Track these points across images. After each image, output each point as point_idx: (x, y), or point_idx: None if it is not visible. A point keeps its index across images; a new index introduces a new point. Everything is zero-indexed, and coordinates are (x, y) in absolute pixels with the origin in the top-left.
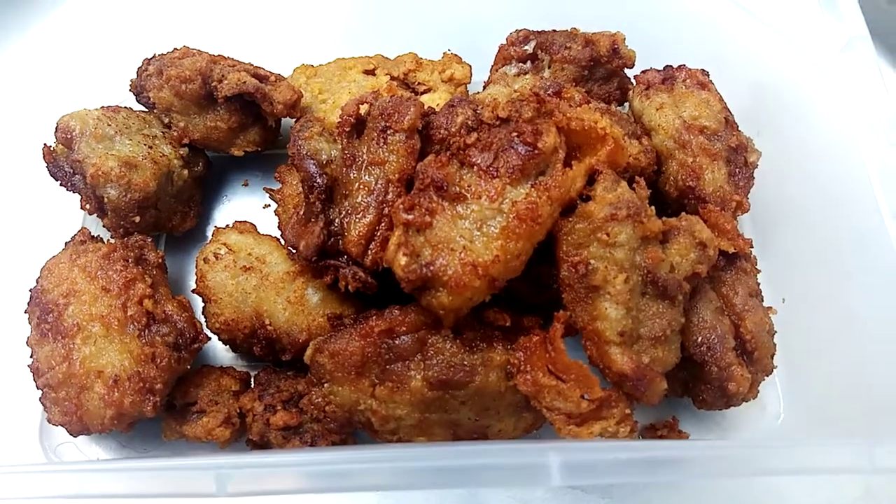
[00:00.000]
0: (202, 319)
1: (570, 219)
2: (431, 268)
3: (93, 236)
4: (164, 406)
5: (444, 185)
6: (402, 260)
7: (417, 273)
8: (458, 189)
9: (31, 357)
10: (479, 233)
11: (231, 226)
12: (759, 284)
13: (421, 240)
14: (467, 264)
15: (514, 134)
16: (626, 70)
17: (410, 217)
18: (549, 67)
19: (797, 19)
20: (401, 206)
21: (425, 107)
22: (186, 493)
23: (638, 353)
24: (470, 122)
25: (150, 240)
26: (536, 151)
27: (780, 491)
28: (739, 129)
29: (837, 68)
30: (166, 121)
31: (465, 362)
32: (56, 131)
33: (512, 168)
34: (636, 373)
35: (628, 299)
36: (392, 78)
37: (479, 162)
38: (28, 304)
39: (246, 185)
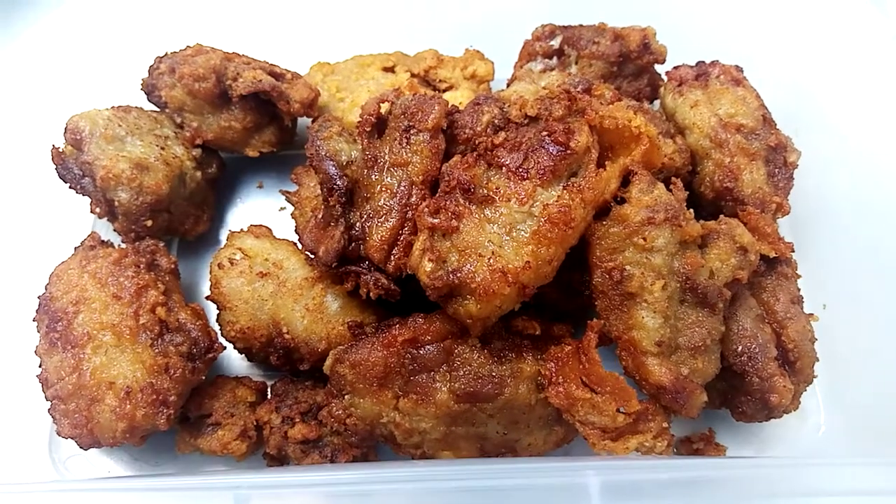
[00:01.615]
0: (217, 328)
1: (605, 222)
2: (458, 274)
3: (103, 241)
4: (177, 418)
5: (470, 187)
6: (428, 266)
7: (444, 280)
8: (485, 191)
9: (39, 367)
10: (508, 237)
11: (246, 230)
12: (800, 290)
13: (447, 245)
14: (496, 271)
15: (545, 133)
16: (657, 66)
17: (436, 221)
18: (576, 63)
19: (837, 11)
20: (425, 210)
21: (449, 105)
22: None
23: (676, 364)
24: (497, 121)
25: (162, 244)
26: (569, 151)
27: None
28: (778, 127)
29: (882, 62)
30: (179, 121)
31: (494, 373)
32: (65, 132)
33: (543, 169)
34: (675, 385)
35: (666, 307)
36: (412, 75)
37: (507, 163)
38: (36, 311)
39: (261, 186)
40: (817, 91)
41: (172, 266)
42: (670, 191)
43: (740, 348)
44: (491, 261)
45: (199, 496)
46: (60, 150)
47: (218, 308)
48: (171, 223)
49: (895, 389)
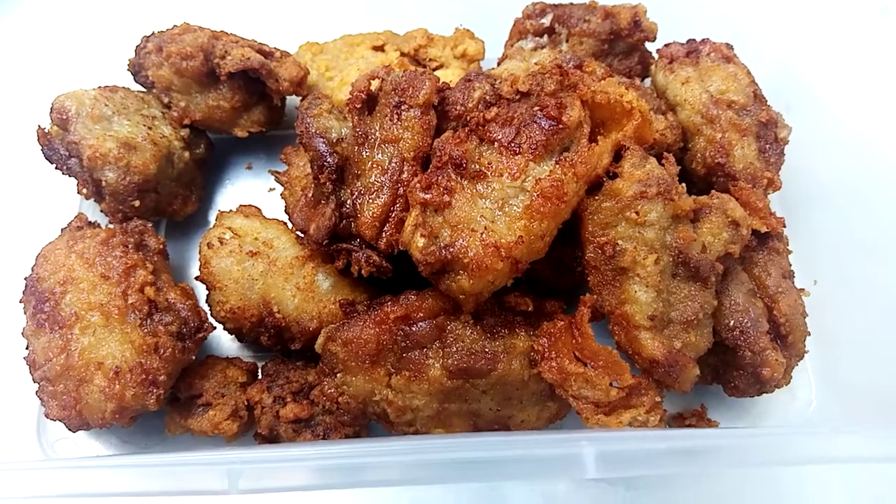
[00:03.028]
0: (206, 308)
1: (597, 197)
2: (451, 250)
3: (90, 222)
4: (167, 399)
5: (462, 162)
6: (420, 242)
7: (436, 255)
8: (477, 167)
9: (27, 349)
10: (500, 212)
11: (236, 209)
12: (791, 265)
13: (439, 220)
14: (489, 245)
15: (537, 108)
16: (648, 44)
17: (428, 196)
18: (567, 42)
19: None
20: (417, 186)
21: (440, 81)
22: (195, 491)
23: (669, 338)
24: (488, 97)
25: (150, 225)
26: (561, 126)
27: (812, 478)
28: (768, 103)
29: (872, 36)
30: (166, 101)
31: (487, 349)
32: (51, 112)
33: (535, 143)
34: (668, 359)
35: (659, 281)
36: (402, 54)
37: (499, 137)
38: (23, 293)
39: (250, 167)
40: (807, 68)
41: (161, 246)
42: (662, 165)
43: (732, 322)
44: (483, 236)
45: (192, 471)
46: (46, 130)
47: (207, 288)
48: (159, 204)
49: (886, 365)
